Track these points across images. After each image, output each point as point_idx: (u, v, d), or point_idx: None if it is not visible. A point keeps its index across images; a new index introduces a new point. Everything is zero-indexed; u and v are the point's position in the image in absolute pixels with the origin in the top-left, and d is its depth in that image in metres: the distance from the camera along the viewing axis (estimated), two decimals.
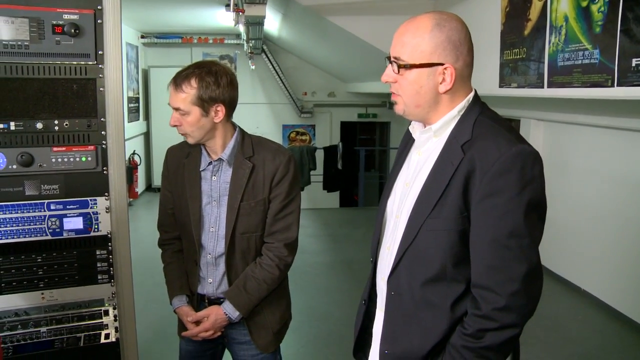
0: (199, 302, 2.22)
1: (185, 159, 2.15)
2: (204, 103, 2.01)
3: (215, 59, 11.37)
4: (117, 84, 1.99)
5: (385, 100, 11.24)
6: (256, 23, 5.90)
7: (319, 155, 10.39)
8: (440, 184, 1.49)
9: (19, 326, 2.00)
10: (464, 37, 1.50)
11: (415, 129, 1.65)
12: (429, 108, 1.54)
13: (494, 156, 1.41)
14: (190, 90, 1.99)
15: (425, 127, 1.60)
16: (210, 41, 10.99)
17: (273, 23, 8.12)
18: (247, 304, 2.13)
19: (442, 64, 1.48)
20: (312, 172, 9.89)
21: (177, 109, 2.01)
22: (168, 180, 2.20)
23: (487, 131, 1.48)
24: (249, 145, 2.14)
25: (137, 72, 10.38)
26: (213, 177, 2.12)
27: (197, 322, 2.17)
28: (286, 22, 7.60)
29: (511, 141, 1.43)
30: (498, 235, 1.41)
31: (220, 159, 2.11)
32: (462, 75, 1.51)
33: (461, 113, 1.54)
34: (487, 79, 4.31)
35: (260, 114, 11.70)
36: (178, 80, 2.00)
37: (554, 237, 5.70)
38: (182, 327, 2.25)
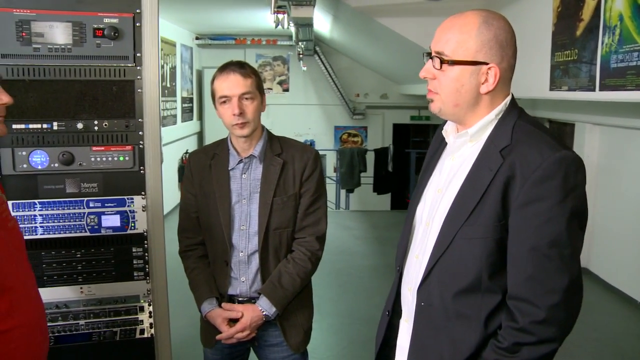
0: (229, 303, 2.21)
1: (211, 161, 2.17)
2: (261, 92, 2.11)
3: (268, 60, 11.53)
4: (154, 86, 2.04)
5: None
6: (305, 24, 5.94)
7: (370, 158, 10.36)
8: (478, 191, 1.42)
9: (60, 318, 2.08)
10: (510, 37, 1.45)
11: (448, 132, 1.59)
12: (467, 109, 1.48)
13: (536, 162, 1.35)
14: (253, 75, 2.07)
15: (458, 130, 1.55)
16: (264, 42, 11.12)
17: (324, 24, 8.15)
18: (283, 299, 2.14)
19: (486, 64, 1.43)
20: (362, 174, 9.88)
21: (244, 94, 2.04)
22: (192, 183, 2.22)
23: (527, 136, 1.42)
24: (276, 143, 2.18)
25: (192, 73, 10.60)
26: (243, 175, 2.14)
27: (231, 324, 2.16)
28: (337, 24, 7.61)
29: (554, 147, 1.37)
30: (538, 244, 1.35)
31: (251, 156, 2.14)
32: (504, 77, 1.46)
33: (498, 117, 1.48)
34: (537, 82, 4.21)
35: (312, 115, 11.76)
36: (238, 68, 2.06)
37: (608, 246, 5.51)
38: (207, 335, 2.24)
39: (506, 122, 1.47)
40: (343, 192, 10.45)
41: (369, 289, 5.65)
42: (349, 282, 5.71)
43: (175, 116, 9.24)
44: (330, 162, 11.69)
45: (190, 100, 10.54)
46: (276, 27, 5.35)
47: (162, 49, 8.27)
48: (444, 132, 1.62)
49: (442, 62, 1.45)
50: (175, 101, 9.18)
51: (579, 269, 1.39)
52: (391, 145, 11.23)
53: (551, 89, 4.09)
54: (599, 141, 5.87)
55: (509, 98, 1.50)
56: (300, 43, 8.36)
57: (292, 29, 6.93)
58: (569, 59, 3.77)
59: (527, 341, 1.36)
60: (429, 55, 1.49)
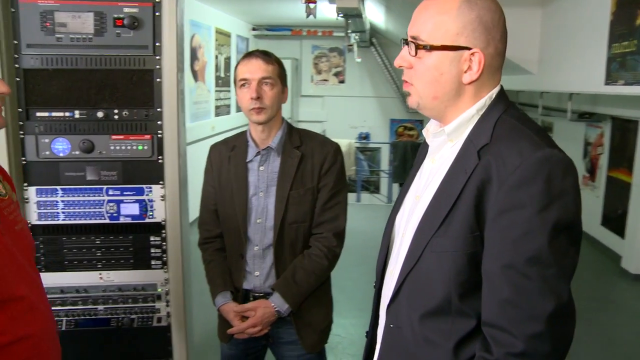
0: (244, 298, 2.18)
1: (230, 152, 2.16)
2: (283, 80, 2.10)
3: (324, 51, 11.51)
4: (172, 75, 2.04)
5: None
6: (354, 15, 5.87)
7: None
8: (450, 196, 1.22)
9: (80, 302, 2.13)
10: (497, 18, 1.23)
11: (429, 132, 1.38)
12: (448, 101, 1.28)
13: (514, 163, 1.14)
14: (276, 64, 2.07)
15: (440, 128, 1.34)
16: (320, 34, 11.10)
17: (378, 15, 8.05)
18: (297, 296, 2.10)
19: (469, 49, 1.22)
20: None
21: (265, 78, 2.03)
22: (211, 175, 2.21)
23: (508, 133, 1.21)
24: (296, 136, 2.15)
25: None
26: (260, 167, 2.12)
27: (244, 319, 2.14)
28: (390, 15, 7.49)
29: (536, 144, 1.16)
30: (515, 261, 1.13)
31: (268, 148, 2.11)
32: (491, 65, 1.25)
33: (481, 113, 1.27)
34: (592, 76, 3.99)
35: (367, 107, 11.67)
36: (262, 54, 2.07)
37: None
38: (223, 330, 2.22)
39: (489, 118, 1.26)
40: (395, 186, 10.32)
41: None
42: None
43: (229, 106, 9.35)
44: (385, 156, 11.58)
45: None
46: (307, 17, 5.28)
47: (216, 40, 8.38)
48: (424, 132, 1.41)
49: (417, 47, 1.25)
50: (229, 91, 9.28)
51: (568, 293, 1.16)
52: None
53: (607, 84, 3.87)
54: None
55: (495, 90, 1.29)
56: (353, 34, 8.28)
57: (342, 20, 6.87)
58: (627, 50, 3.56)
59: None
60: (406, 41, 1.29)
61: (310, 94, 11.71)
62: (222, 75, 8.84)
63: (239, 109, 9.80)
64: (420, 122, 11.80)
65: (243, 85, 2.04)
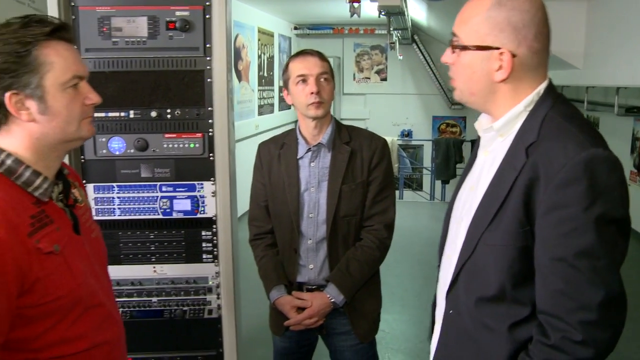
0: (298, 292, 2.24)
1: (280, 150, 2.22)
2: (333, 77, 2.17)
3: (366, 49, 11.51)
4: (222, 75, 2.12)
5: None
6: (397, 13, 5.88)
7: (467, 148, 10.10)
8: (501, 193, 1.29)
9: (135, 294, 2.22)
10: (530, 18, 1.28)
11: (482, 124, 1.45)
12: (484, 97, 1.36)
13: (559, 162, 1.20)
14: (328, 62, 2.16)
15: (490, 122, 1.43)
16: (361, 32, 11.11)
17: (420, 12, 8.02)
18: (351, 287, 2.16)
19: (497, 48, 1.29)
20: (458, 166, 9.65)
21: (322, 74, 2.11)
22: (261, 173, 2.27)
23: (555, 131, 1.26)
24: (345, 132, 2.21)
25: None
26: (312, 163, 2.18)
27: (299, 312, 2.20)
28: (432, 12, 7.47)
29: (581, 144, 1.21)
30: (565, 255, 1.20)
31: (319, 144, 2.17)
32: (526, 64, 1.30)
33: (529, 109, 1.33)
34: (639, 69, 3.91)
35: (409, 104, 11.62)
36: (316, 52, 2.16)
37: None
38: (276, 323, 2.29)
39: (536, 116, 1.31)
40: (438, 183, 10.26)
41: None
42: (435, 275, 5.60)
43: (272, 105, 9.46)
44: (427, 153, 11.52)
45: None
46: (351, 16, 5.31)
47: (259, 40, 8.49)
48: (476, 125, 1.48)
49: (453, 47, 1.35)
50: (272, 90, 9.39)
51: (619, 283, 1.22)
52: None
53: None
54: None
55: (542, 86, 1.34)
56: (395, 32, 8.27)
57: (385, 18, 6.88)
58: None
59: (559, 359, 1.23)
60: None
61: (353, 92, 11.74)
62: (265, 74, 8.94)
63: (282, 108, 9.91)
64: (464, 119, 11.69)
65: (300, 81, 2.10)
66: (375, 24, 10.57)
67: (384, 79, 11.69)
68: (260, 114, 8.66)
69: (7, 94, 1.23)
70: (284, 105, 10.34)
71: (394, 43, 8.39)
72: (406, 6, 6.29)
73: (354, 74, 11.74)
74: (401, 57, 10.37)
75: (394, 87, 11.63)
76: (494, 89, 1.34)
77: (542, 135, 1.27)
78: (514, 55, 1.29)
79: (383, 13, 5.51)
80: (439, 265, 1.60)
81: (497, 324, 1.33)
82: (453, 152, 9.63)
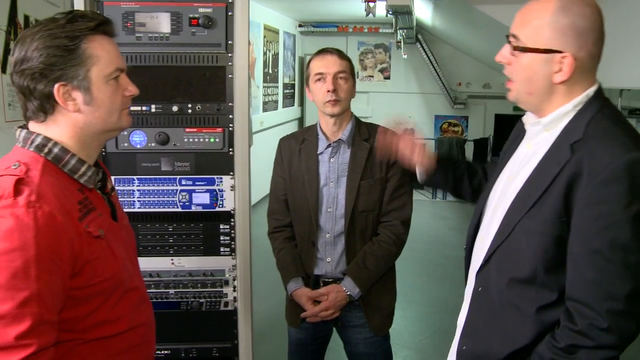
0: (315, 284, 2.31)
1: (300, 145, 2.26)
2: (353, 76, 2.24)
3: (370, 48, 11.53)
4: (243, 71, 2.15)
5: None
6: (404, 12, 5.91)
7: (469, 148, 10.14)
8: (542, 183, 1.38)
9: (152, 286, 2.25)
10: (591, 24, 1.36)
11: (528, 119, 1.55)
12: (541, 97, 1.43)
13: (604, 161, 1.29)
14: (348, 60, 2.21)
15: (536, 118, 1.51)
16: (365, 30, 11.12)
17: (425, 12, 8.05)
18: (367, 280, 2.21)
19: (560, 52, 1.36)
20: None
21: (340, 72, 2.16)
22: (282, 167, 2.33)
23: (602, 133, 1.35)
24: (364, 129, 2.26)
25: (294, 60, 10.81)
26: (331, 158, 2.23)
27: (315, 304, 2.26)
28: (438, 11, 7.49)
29: (626, 147, 1.30)
30: (600, 248, 1.30)
31: (339, 140, 2.22)
32: (583, 67, 1.38)
33: (577, 109, 1.41)
34: None
35: (412, 103, 11.63)
36: (335, 51, 2.22)
37: None
38: (292, 315, 2.34)
39: (584, 116, 1.40)
40: None
41: (457, 280, 5.54)
42: (437, 272, 5.67)
43: (276, 102, 9.48)
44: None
45: (292, 86, 10.76)
46: (367, 15, 5.35)
47: (265, 36, 8.51)
48: (524, 119, 1.59)
49: (514, 47, 1.41)
50: (277, 87, 9.41)
51: None
52: (491, 136, 10.92)
53: None
54: None
55: (592, 89, 1.42)
56: (400, 31, 8.30)
57: (392, 17, 6.91)
58: None
59: (585, 345, 1.32)
60: (507, 38, 1.45)
61: (356, 90, 11.72)
62: (270, 71, 8.97)
63: (285, 105, 9.94)
64: (466, 119, 11.72)
65: (319, 80, 2.14)
66: (380, 22, 10.59)
67: (387, 78, 11.70)
68: (264, 110, 8.68)
69: (56, 85, 1.28)
70: (288, 102, 10.38)
71: (400, 42, 8.41)
72: (413, 6, 6.32)
73: (358, 72, 11.74)
74: (405, 56, 10.39)
75: (397, 86, 11.64)
76: (551, 90, 1.42)
77: (588, 134, 1.35)
78: (575, 59, 1.36)
79: (391, 12, 5.53)
80: (465, 248, 1.70)
81: (525, 305, 1.42)
82: (456, 151, 9.67)
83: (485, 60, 10.44)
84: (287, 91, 10.33)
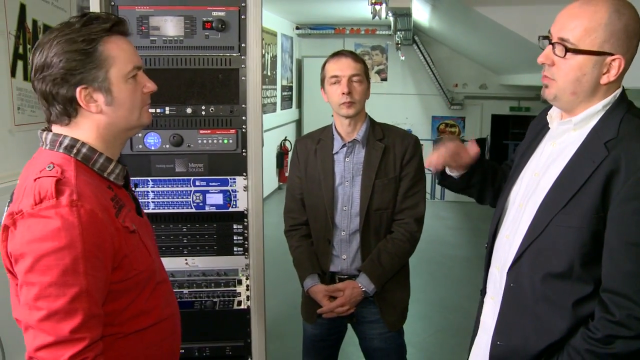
0: (330, 281, 2.35)
1: (316, 146, 2.31)
2: (367, 77, 2.28)
3: (367, 49, 11.58)
4: (256, 74, 2.19)
5: (539, 94, 10.69)
6: (403, 14, 5.96)
7: None
8: (577, 180, 1.43)
9: None
10: (638, 28, 1.41)
11: (553, 118, 1.59)
12: (583, 98, 1.48)
13: None
14: (362, 62, 2.25)
15: (562, 117, 1.55)
16: (362, 32, 11.17)
17: (423, 14, 8.09)
18: (382, 277, 2.25)
19: (612, 54, 1.41)
20: None
21: (354, 75, 2.21)
22: (298, 167, 2.38)
23: (634, 131, 1.41)
24: (378, 129, 2.31)
25: (292, 62, 10.84)
26: (346, 158, 2.27)
27: (331, 300, 2.29)
28: (436, 13, 7.54)
29: None
30: (638, 240, 1.36)
31: (354, 140, 2.27)
32: (625, 69, 1.44)
33: (606, 109, 1.47)
34: None
35: (409, 104, 11.68)
36: (350, 53, 2.26)
37: None
38: (308, 311, 2.39)
39: (614, 115, 1.45)
40: None
41: (459, 279, 5.63)
42: (438, 271, 5.73)
43: (275, 104, 9.52)
44: (427, 153, 11.55)
45: (290, 88, 10.80)
46: (373, 18, 5.40)
47: (263, 39, 8.53)
48: (548, 117, 1.62)
49: (566, 49, 1.43)
50: (275, 89, 9.45)
51: None
52: (489, 137, 10.99)
53: None
54: None
55: (619, 90, 1.48)
56: (398, 32, 8.35)
57: (391, 19, 6.95)
58: None
59: (622, 334, 1.36)
60: (546, 38, 1.49)
61: None
62: (269, 73, 9.00)
63: (284, 107, 9.98)
64: (463, 119, 11.78)
65: (334, 82, 2.19)
66: (377, 24, 10.64)
67: (384, 79, 11.74)
68: (263, 112, 8.68)
69: (78, 89, 1.31)
70: (286, 104, 10.41)
71: (399, 44, 8.47)
72: (411, 7, 6.36)
73: None
74: (403, 58, 10.45)
75: (394, 87, 11.69)
76: (595, 91, 1.47)
77: (622, 133, 1.41)
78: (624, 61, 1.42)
79: (391, 14, 5.57)
80: (486, 245, 1.72)
81: (561, 299, 1.46)
82: None
83: (482, 61, 10.51)
84: (285, 93, 10.36)
